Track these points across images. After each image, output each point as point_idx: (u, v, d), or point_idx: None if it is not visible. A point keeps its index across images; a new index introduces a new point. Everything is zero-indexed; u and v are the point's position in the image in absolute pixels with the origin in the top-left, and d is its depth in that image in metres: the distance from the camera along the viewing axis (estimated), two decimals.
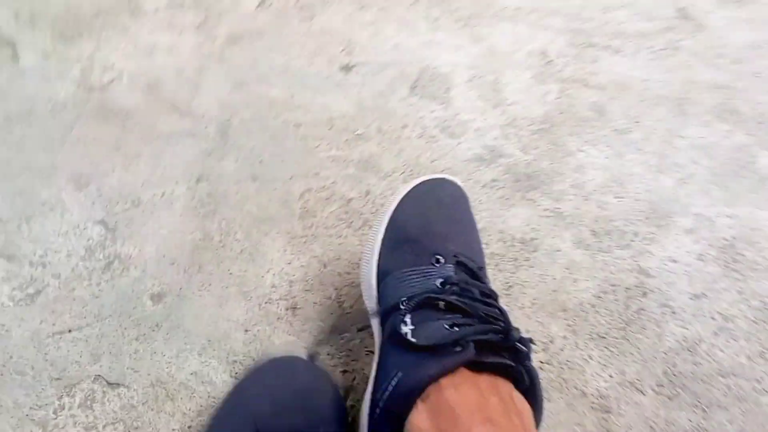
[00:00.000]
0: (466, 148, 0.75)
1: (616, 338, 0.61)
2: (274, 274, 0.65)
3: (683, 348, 0.61)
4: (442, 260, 0.52)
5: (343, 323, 0.62)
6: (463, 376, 0.45)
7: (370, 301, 0.55)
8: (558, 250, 0.67)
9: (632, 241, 0.68)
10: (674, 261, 0.66)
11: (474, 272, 0.52)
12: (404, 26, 0.89)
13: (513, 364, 0.46)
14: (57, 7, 0.88)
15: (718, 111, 0.79)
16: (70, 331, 0.60)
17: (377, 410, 0.48)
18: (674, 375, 0.59)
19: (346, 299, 0.64)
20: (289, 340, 0.60)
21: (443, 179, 0.59)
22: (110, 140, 0.75)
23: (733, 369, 0.60)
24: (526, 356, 0.47)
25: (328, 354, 0.60)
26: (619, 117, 0.78)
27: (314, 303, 0.63)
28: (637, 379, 0.59)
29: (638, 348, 0.61)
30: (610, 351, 0.61)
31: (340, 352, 0.60)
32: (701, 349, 0.61)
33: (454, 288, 0.50)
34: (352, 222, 0.69)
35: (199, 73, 0.83)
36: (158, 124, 0.77)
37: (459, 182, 0.59)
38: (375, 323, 0.54)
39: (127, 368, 0.58)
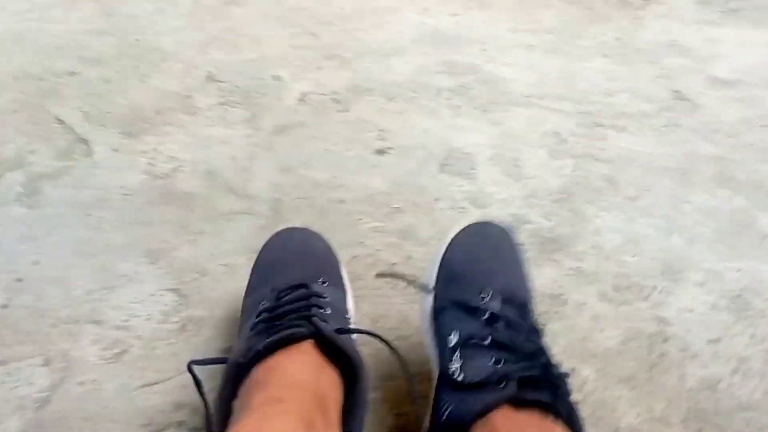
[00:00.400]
0: (494, 216, 0.84)
1: (643, 380, 0.68)
2: None
3: (704, 387, 0.68)
4: (487, 297, 0.59)
5: (394, 371, 0.69)
6: (505, 413, 0.50)
7: (427, 337, 0.62)
8: (584, 304, 0.75)
9: (650, 294, 0.75)
10: (690, 311, 0.74)
11: (520, 308, 0.59)
12: (429, 114, 1.00)
13: (550, 400, 0.50)
14: (122, 108, 1.00)
15: (718, 179, 0.88)
16: (154, 384, 0.67)
17: None
18: (698, 410, 0.66)
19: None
20: None
21: (490, 221, 0.65)
22: (177, 220, 0.84)
23: (750, 404, 0.66)
24: (566, 392, 0.53)
25: (383, 398, 0.67)
26: (630, 186, 0.88)
27: (369, 354, 0.70)
28: (665, 416, 0.66)
29: (663, 388, 0.68)
30: (638, 391, 0.67)
31: (394, 396, 0.67)
32: (721, 387, 0.68)
33: (499, 324, 0.57)
34: (396, 284, 0.77)
35: (251, 160, 0.93)
36: (218, 205, 0.86)
37: (505, 223, 0.66)
38: (433, 355, 0.61)
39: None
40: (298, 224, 0.72)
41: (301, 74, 1.06)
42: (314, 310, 0.59)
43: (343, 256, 0.73)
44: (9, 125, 0.97)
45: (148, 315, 0.74)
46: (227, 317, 0.74)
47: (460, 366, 0.54)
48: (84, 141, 0.95)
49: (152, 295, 0.76)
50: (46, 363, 0.69)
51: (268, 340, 0.55)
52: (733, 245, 0.81)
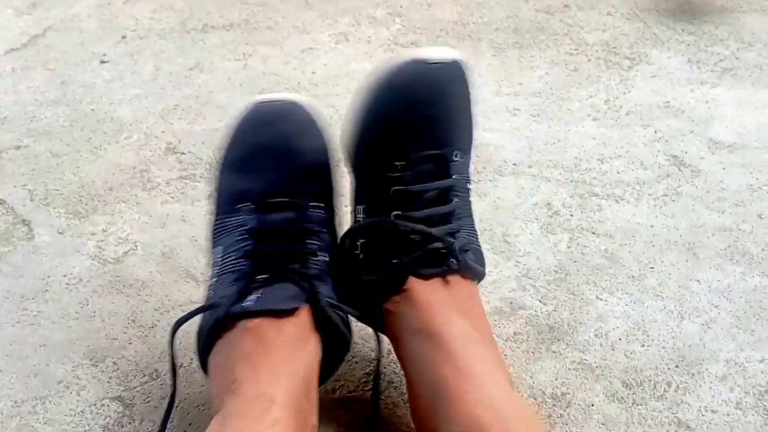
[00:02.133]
0: (484, 301, 0.75)
1: None
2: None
3: None
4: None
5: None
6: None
7: None
8: (591, 405, 0.65)
9: (666, 391, 0.66)
10: (713, 411, 0.64)
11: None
12: None
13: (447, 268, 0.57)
14: (71, 185, 0.90)
15: (728, 253, 0.80)
16: None
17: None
18: None
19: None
20: None
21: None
22: (126, 312, 0.74)
23: None
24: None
25: None
26: (632, 264, 0.79)
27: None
28: None
29: None
30: None
31: None
32: None
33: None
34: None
35: None
36: (174, 293, 0.77)
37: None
38: None
39: None
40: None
41: None
42: (310, 263, 0.57)
43: None
44: None
45: (86, 431, 0.63)
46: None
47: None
48: (26, 222, 0.85)
49: (92, 404, 0.66)
50: None
51: (257, 307, 0.54)
52: (752, 330, 0.72)
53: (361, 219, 0.62)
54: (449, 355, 0.52)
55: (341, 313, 0.57)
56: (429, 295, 0.57)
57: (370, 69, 1.13)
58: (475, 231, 0.63)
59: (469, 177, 0.64)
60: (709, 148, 0.96)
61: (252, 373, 0.51)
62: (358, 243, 0.61)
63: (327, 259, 0.59)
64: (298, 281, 0.56)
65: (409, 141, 0.60)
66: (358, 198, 0.63)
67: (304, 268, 0.56)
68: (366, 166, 0.62)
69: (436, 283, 0.58)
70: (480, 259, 0.62)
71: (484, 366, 0.53)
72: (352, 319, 0.61)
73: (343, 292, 0.60)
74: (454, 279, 0.58)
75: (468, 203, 0.63)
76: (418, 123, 0.60)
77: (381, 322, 0.60)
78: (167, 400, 0.59)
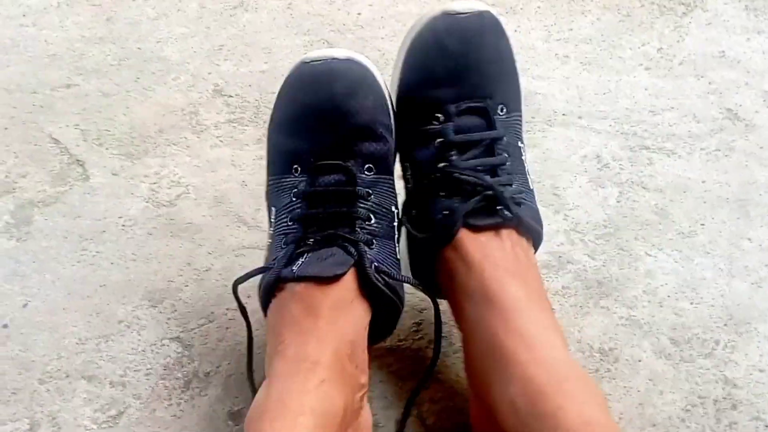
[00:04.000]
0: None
1: None
2: None
3: None
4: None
5: None
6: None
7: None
8: (639, 360, 0.66)
9: (714, 349, 0.67)
10: (761, 370, 0.65)
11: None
12: None
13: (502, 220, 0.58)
14: (123, 126, 0.91)
15: None
16: None
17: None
18: None
19: (428, 415, 0.63)
20: None
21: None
22: (181, 255, 0.76)
23: None
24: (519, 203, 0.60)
25: None
26: (683, 220, 0.79)
27: (397, 420, 0.62)
28: None
29: None
30: None
31: None
32: None
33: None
34: (426, 334, 0.69)
35: (262, 186, 0.84)
36: (226, 238, 0.78)
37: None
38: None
39: None
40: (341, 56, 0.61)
41: None
42: (360, 227, 0.57)
43: None
44: None
45: (148, 369, 0.66)
46: (236, 373, 0.66)
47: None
48: (80, 163, 0.86)
49: (153, 344, 0.68)
50: (32, 427, 0.61)
51: (303, 273, 0.55)
52: None
53: (409, 177, 0.63)
54: (505, 318, 0.53)
55: (388, 279, 0.57)
56: (482, 253, 0.57)
57: (417, 11, 1.11)
58: (532, 191, 0.63)
59: (520, 136, 0.64)
60: (764, 101, 0.94)
61: (298, 337, 0.53)
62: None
63: (380, 223, 0.59)
64: (346, 246, 0.56)
65: (446, 93, 0.60)
66: (404, 156, 0.63)
67: (352, 233, 0.56)
68: (406, 121, 0.62)
69: (489, 237, 0.58)
70: (536, 218, 0.61)
71: (538, 328, 0.53)
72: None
73: (406, 258, 0.62)
74: (508, 233, 0.58)
75: (521, 162, 0.63)
76: (452, 74, 0.60)
77: (436, 284, 0.61)
78: (245, 342, 0.61)
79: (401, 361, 0.67)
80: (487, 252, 0.57)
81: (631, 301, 0.71)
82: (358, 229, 0.57)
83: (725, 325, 0.69)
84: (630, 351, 0.67)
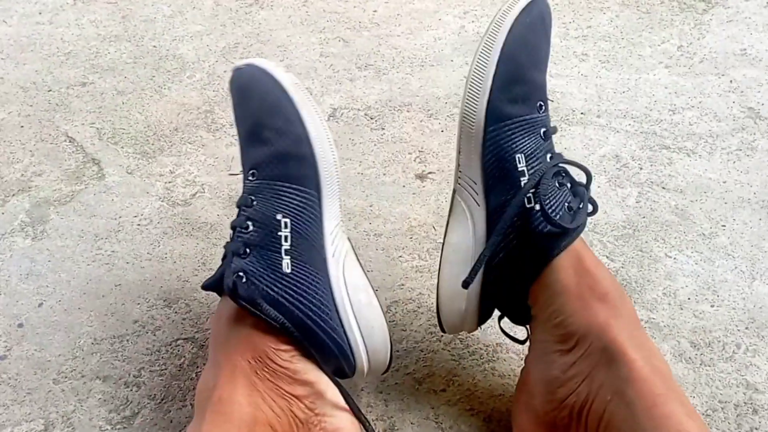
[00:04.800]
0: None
1: None
2: (368, 393, 0.63)
3: None
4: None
5: None
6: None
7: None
8: None
9: (735, 353, 0.66)
10: None
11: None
12: None
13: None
14: (138, 125, 0.91)
15: None
16: None
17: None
18: None
19: (444, 419, 0.62)
20: None
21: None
22: (196, 255, 0.76)
23: None
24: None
25: None
26: (703, 221, 0.78)
27: (411, 423, 0.61)
28: None
29: None
30: None
31: None
32: None
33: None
34: (442, 336, 0.68)
35: None
36: None
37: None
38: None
39: None
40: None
41: (332, 86, 0.97)
42: (236, 236, 0.56)
43: (381, 300, 0.64)
44: (15, 142, 0.89)
45: (163, 369, 0.66)
46: None
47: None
48: (96, 161, 0.86)
49: (168, 344, 0.68)
50: (47, 428, 0.61)
51: (205, 282, 0.56)
52: None
53: (524, 169, 0.56)
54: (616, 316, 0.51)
55: (249, 288, 0.53)
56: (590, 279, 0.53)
57: (433, 7, 1.10)
58: None
59: None
60: None
61: (211, 356, 0.56)
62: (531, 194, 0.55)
63: (258, 231, 0.55)
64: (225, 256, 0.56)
65: (536, 81, 0.57)
66: (517, 147, 0.56)
67: (230, 242, 0.56)
68: (512, 112, 0.56)
69: (586, 254, 0.55)
70: None
71: (645, 335, 0.53)
72: None
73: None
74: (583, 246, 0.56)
75: None
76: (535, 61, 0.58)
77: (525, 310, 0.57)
78: None
79: (417, 363, 0.67)
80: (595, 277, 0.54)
81: (651, 304, 0.70)
82: (236, 238, 0.56)
83: (747, 328, 0.68)
84: None
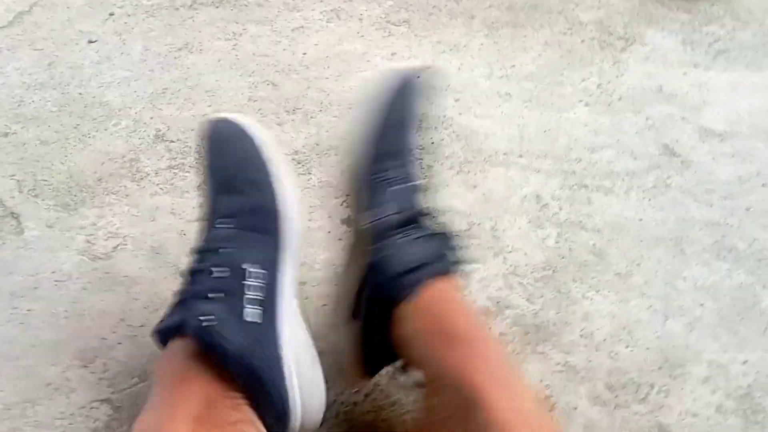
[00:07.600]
0: (471, 301, 0.76)
1: None
2: None
3: None
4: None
5: None
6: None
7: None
8: (575, 408, 0.66)
9: (648, 394, 0.67)
10: (694, 415, 0.65)
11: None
12: None
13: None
14: (60, 176, 0.90)
15: (715, 249, 0.81)
16: None
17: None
18: None
19: None
20: None
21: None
22: (116, 311, 0.75)
23: None
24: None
25: None
26: (620, 260, 0.80)
27: None
28: None
29: None
30: None
31: None
32: None
33: None
34: (361, 389, 0.68)
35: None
36: (163, 291, 0.77)
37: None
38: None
39: None
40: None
41: None
42: (198, 282, 0.56)
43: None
44: None
45: None
46: None
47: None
48: (14, 216, 0.85)
49: (82, 407, 0.66)
50: None
51: (153, 329, 0.56)
52: (736, 331, 0.73)
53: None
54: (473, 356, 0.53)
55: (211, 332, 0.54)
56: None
57: (362, 49, 1.12)
58: None
59: None
60: (699, 136, 0.96)
61: (154, 404, 0.54)
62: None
63: (221, 277, 0.56)
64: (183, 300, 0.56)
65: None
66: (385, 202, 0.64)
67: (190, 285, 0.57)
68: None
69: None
70: None
71: (513, 372, 0.54)
72: None
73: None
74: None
75: None
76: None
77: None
78: None
79: (338, 417, 0.66)
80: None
81: (567, 347, 0.71)
82: (195, 282, 0.56)
83: (660, 368, 0.69)
84: (566, 398, 0.67)
